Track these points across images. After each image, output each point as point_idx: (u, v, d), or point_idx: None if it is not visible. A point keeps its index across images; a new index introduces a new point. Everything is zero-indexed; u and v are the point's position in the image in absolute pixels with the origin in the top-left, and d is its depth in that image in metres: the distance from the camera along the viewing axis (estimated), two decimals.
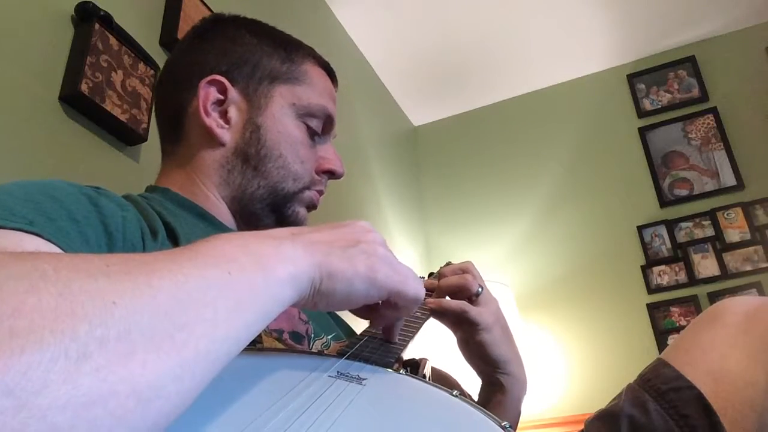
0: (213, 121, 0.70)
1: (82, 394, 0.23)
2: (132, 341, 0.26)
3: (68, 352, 0.23)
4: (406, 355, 0.55)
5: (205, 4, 1.38)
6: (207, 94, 0.70)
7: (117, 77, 1.08)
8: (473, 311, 0.71)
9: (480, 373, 0.76)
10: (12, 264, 0.26)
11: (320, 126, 0.74)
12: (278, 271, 0.37)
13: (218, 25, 0.76)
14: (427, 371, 0.53)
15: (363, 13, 2.21)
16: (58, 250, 0.41)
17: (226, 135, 0.70)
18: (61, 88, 1.01)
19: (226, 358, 0.31)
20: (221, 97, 0.70)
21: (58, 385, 0.22)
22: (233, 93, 0.71)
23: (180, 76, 0.73)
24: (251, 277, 0.34)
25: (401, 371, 0.47)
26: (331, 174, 0.76)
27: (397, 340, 0.55)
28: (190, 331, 0.28)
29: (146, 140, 1.13)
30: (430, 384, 0.45)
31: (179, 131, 0.73)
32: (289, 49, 0.75)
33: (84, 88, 1.01)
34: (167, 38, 1.27)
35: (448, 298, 0.74)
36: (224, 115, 0.71)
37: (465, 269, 0.76)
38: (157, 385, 0.26)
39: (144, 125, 1.12)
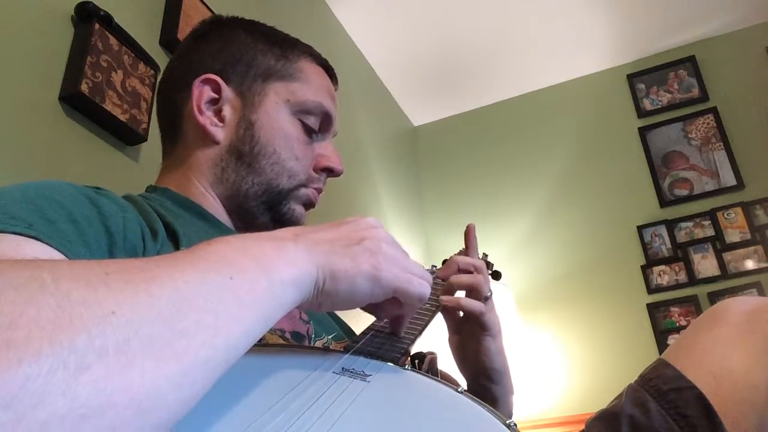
0: (207, 119, 0.70)
1: (80, 406, 0.23)
2: (131, 351, 0.25)
3: (67, 364, 0.23)
4: (414, 349, 0.55)
5: (205, 4, 1.38)
6: (201, 92, 0.70)
7: (117, 77, 1.08)
8: (488, 315, 0.71)
9: (470, 379, 0.75)
10: (10, 273, 0.25)
11: (317, 123, 0.74)
12: (281, 274, 0.36)
13: (215, 26, 0.76)
14: (435, 366, 0.52)
15: (363, 13, 2.21)
16: (57, 253, 0.40)
17: (219, 133, 0.70)
18: (61, 88, 1.01)
19: (227, 364, 0.31)
20: (215, 95, 0.70)
21: (57, 397, 0.22)
22: (227, 91, 0.71)
23: (177, 77, 0.74)
24: (253, 280, 0.34)
25: (407, 366, 0.47)
26: (330, 171, 0.75)
27: (403, 335, 0.54)
28: (190, 339, 0.28)
29: (146, 140, 1.12)
30: (435, 380, 0.45)
31: (177, 131, 0.73)
32: (284, 47, 0.74)
33: (84, 88, 1.01)
34: (167, 38, 1.27)
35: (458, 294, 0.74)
36: (218, 113, 0.71)
37: (478, 268, 0.74)
38: (156, 394, 0.26)
39: (144, 125, 1.12)
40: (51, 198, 0.46)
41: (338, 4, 2.16)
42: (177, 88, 0.73)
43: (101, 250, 0.47)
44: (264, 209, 0.71)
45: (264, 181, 0.70)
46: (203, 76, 0.70)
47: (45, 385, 0.22)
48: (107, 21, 1.08)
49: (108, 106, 1.05)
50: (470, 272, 0.74)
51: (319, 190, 0.75)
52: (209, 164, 0.70)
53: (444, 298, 0.71)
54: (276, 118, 0.71)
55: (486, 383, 0.73)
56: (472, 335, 0.72)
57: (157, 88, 0.78)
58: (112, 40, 1.09)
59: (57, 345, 0.23)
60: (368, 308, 0.50)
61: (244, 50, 0.72)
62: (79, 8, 1.06)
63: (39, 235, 0.40)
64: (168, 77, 0.77)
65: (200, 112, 0.70)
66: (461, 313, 0.74)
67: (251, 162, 0.69)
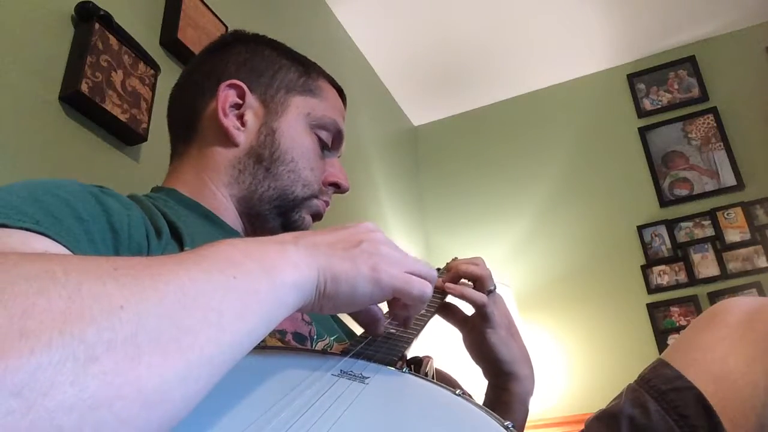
0: (230, 121, 0.72)
1: (88, 397, 0.23)
2: (138, 345, 0.26)
3: (76, 355, 0.23)
4: (411, 353, 0.55)
5: (205, 5, 1.38)
6: (226, 96, 0.72)
7: (117, 77, 1.08)
8: (491, 306, 0.72)
9: (485, 373, 0.77)
10: (22, 264, 0.26)
11: (330, 139, 0.77)
12: (283, 276, 0.37)
13: (239, 39, 0.80)
14: (431, 369, 0.53)
15: (363, 13, 2.21)
16: (64, 249, 0.41)
17: (240, 136, 0.72)
18: (61, 88, 1.01)
19: (231, 362, 0.31)
20: (239, 101, 0.73)
21: (66, 387, 0.23)
22: (251, 99, 0.73)
23: (199, 81, 0.76)
24: (256, 282, 0.35)
25: (404, 369, 0.47)
26: (336, 187, 0.78)
27: (401, 337, 0.55)
28: (195, 335, 0.29)
29: (146, 140, 1.13)
30: (433, 383, 0.45)
31: (193, 132, 0.75)
32: (306, 65, 0.79)
33: (84, 88, 1.01)
34: (167, 38, 1.27)
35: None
36: (240, 118, 0.73)
37: (481, 264, 0.77)
38: (163, 388, 0.26)
39: (144, 125, 1.12)
40: (57, 195, 0.46)
41: (338, 4, 2.17)
42: (198, 90, 0.75)
43: (106, 248, 0.48)
44: (276, 214, 0.73)
45: (280, 187, 0.72)
46: (229, 81, 0.73)
47: (55, 374, 0.23)
48: (107, 21, 1.08)
49: (108, 106, 1.05)
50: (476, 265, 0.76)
51: (326, 203, 0.78)
52: (226, 165, 0.72)
53: (449, 285, 0.73)
54: (296, 128, 0.74)
55: (498, 374, 0.74)
56: (476, 331, 0.73)
57: (171, 93, 0.80)
58: (112, 40, 1.09)
59: (67, 336, 0.24)
60: (364, 318, 0.50)
61: (269, 63, 0.76)
62: (79, 8, 1.06)
63: (46, 231, 0.40)
64: (186, 81, 0.79)
65: (225, 114, 0.72)
66: (469, 313, 0.75)
67: (269, 166, 0.72)
